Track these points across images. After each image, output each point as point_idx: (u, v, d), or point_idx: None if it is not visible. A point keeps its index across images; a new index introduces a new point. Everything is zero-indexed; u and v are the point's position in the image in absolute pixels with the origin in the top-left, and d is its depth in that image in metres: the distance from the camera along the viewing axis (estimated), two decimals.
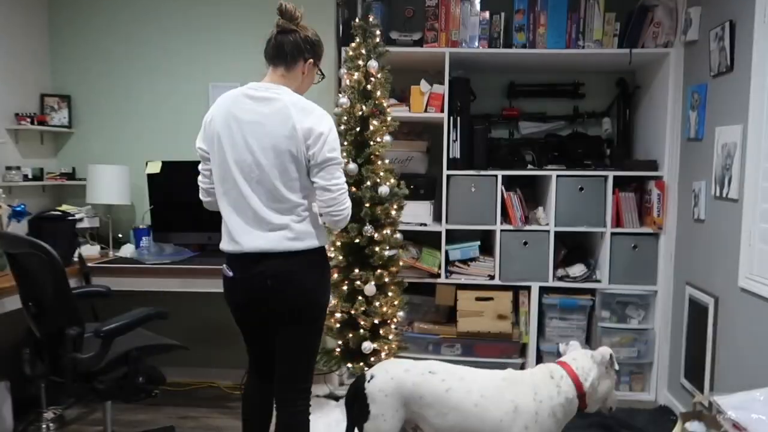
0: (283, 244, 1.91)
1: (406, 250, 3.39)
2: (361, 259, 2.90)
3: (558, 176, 3.32)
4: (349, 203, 1.99)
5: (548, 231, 3.35)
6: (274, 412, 2.09)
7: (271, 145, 1.88)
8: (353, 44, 2.96)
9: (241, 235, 1.93)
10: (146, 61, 3.55)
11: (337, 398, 3.22)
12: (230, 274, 2.00)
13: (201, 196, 2.13)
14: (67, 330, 2.12)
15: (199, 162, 2.07)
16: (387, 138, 2.93)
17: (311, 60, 2.03)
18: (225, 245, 2.00)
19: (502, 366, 3.47)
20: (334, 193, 1.92)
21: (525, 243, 3.36)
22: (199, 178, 2.09)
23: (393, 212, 2.95)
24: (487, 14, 3.30)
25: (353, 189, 2.89)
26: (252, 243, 1.92)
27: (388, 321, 2.98)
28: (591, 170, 3.37)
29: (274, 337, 2.04)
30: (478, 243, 3.42)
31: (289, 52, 1.95)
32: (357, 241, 2.87)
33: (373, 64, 2.88)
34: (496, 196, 3.34)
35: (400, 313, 3.05)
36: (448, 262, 3.42)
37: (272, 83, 1.95)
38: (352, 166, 2.85)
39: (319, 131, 1.88)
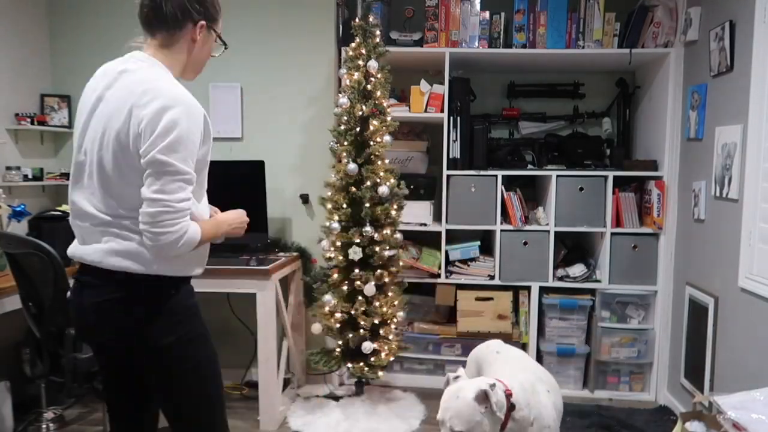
0: (99, 258, 1.49)
1: (406, 250, 3.39)
2: (361, 259, 2.90)
3: (558, 176, 3.32)
4: (178, 230, 1.43)
5: (548, 231, 3.35)
6: None
7: (104, 127, 1.46)
8: (353, 44, 2.96)
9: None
10: None
11: (337, 398, 3.22)
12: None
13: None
14: (67, 330, 2.12)
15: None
16: (387, 138, 2.93)
17: (203, 22, 1.55)
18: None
19: None
20: (156, 207, 1.40)
21: (525, 243, 3.36)
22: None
23: (393, 212, 2.95)
24: (487, 14, 3.30)
25: (353, 189, 2.90)
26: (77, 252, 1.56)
27: (388, 321, 2.99)
28: (591, 170, 3.37)
29: None
30: (478, 243, 3.42)
31: (172, 14, 1.50)
32: (357, 241, 2.87)
33: (373, 64, 2.88)
34: (496, 196, 3.34)
35: (400, 313, 3.05)
36: (448, 262, 3.42)
37: (145, 55, 1.53)
38: (352, 166, 2.85)
39: (163, 126, 1.39)
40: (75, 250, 1.54)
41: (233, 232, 1.77)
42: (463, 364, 3.50)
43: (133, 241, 1.47)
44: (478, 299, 3.38)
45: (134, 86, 1.43)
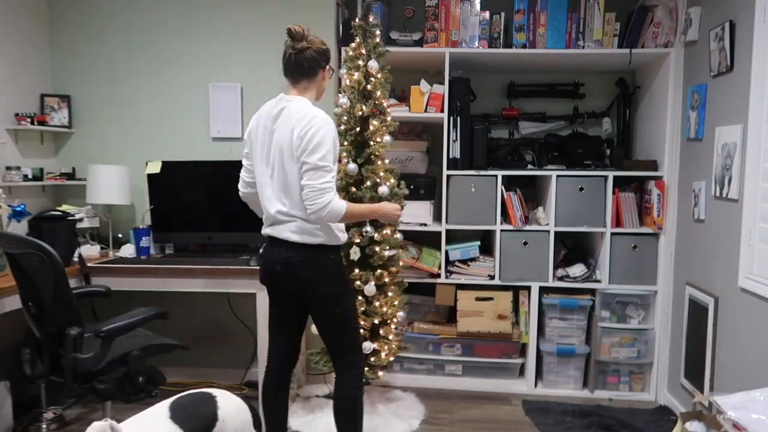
0: (284, 235, 2.19)
1: (406, 250, 3.39)
2: (361, 259, 2.90)
3: (558, 176, 3.32)
4: (323, 201, 2.09)
5: (548, 231, 3.35)
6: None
7: (279, 148, 2.16)
8: (353, 44, 2.96)
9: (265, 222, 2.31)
10: (146, 61, 3.55)
11: None
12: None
13: (239, 187, 2.38)
14: (67, 330, 2.12)
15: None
16: (387, 138, 2.93)
17: (326, 66, 2.29)
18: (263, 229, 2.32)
19: (504, 366, 3.48)
20: (306, 190, 2.11)
21: (525, 243, 3.36)
22: (242, 171, 2.36)
23: None
24: (487, 14, 3.30)
25: (353, 189, 2.90)
26: (270, 231, 2.26)
27: (388, 321, 2.99)
28: (591, 170, 3.37)
29: (299, 321, 2.40)
30: (478, 243, 3.42)
31: (309, 67, 2.20)
32: (357, 241, 2.87)
33: (373, 64, 2.88)
34: (496, 196, 3.34)
35: (400, 313, 3.05)
36: (448, 262, 3.42)
37: (293, 96, 2.22)
38: (352, 166, 2.85)
39: (309, 136, 2.10)
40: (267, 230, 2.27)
41: (387, 219, 2.47)
42: (464, 364, 3.51)
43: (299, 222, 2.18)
44: (478, 299, 3.38)
45: (293, 114, 2.14)
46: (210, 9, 3.49)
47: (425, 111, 3.33)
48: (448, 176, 3.34)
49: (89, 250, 3.26)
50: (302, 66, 2.19)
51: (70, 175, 3.51)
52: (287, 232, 2.18)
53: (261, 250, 2.35)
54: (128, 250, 3.29)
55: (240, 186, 2.38)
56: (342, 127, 2.94)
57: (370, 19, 2.92)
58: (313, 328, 3.06)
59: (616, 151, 3.43)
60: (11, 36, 3.28)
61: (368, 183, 2.86)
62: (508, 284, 3.40)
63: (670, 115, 3.19)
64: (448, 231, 3.39)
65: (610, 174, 3.30)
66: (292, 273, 2.20)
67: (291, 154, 2.12)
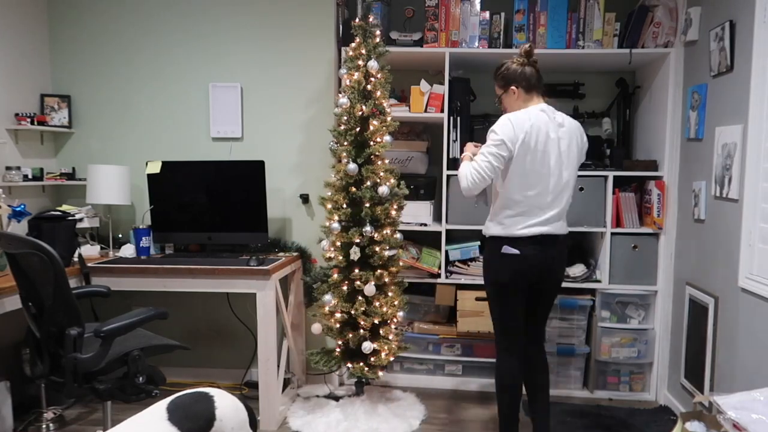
0: (563, 230, 2.53)
1: (406, 250, 3.39)
2: (361, 259, 2.90)
3: None
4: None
5: None
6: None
7: (564, 156, 2.45)
8: (353, 44, 2.96)
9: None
10: (146, 61, 3.55)
11: (337, 398, 3.22)
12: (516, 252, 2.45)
13: (477, 181, 2.40)
14: (67, 330, 2.12)
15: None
16: (387, 138, 2.93)
17: None
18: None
19: None
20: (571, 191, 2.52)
21: None
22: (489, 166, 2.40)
23: (393, 212, 2.95)
24: (487, 14, 3.30)
25: (353, 189, 2.90)
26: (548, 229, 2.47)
27: (388, 321, 2.99)
28: (591, 170, 3.37)
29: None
30: (478, 243, 3.42)
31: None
32: (357, 241, 2.87)
33: (373, 65, 2.88)
34: None
35: (400, 313, 3.05)
36: (448, 262, 3.42)
37: (551, 107, 2.48)
38: (352, 166, 2.85)
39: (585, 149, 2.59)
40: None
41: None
42: (464, 364, 3.51)
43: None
44: (478, 299, 3.38)
45: (574, 128, 2.50)
46: (210, 9, 3.49)
47: (425, 111, 3.33)
48: (448, 176, 3.34)
49: (89, 250, 3.26)
50: (541, 79, 2.50)
51: (70, 175, 3.51)
52: (563, 230, 2.48)
53: (519, 251, 2.42)
54: (128, 250, 3.29)
55: (486, 178, 2.39)
56: (342, 127, 2.94)
57: (370, 19, 2.92)
58: (314, 328, 3.08)
59: (616, 151, 3.42)
60: (11, 36, 3.29)
61: (368, 183, 2.87)
62: None
63: (670, 115, 3.19)
64: (448, 231, 3.39)
65: (610, 174, 3.30)
66: (562, 262, 2.52)
67: (570, 163, 2.42)
